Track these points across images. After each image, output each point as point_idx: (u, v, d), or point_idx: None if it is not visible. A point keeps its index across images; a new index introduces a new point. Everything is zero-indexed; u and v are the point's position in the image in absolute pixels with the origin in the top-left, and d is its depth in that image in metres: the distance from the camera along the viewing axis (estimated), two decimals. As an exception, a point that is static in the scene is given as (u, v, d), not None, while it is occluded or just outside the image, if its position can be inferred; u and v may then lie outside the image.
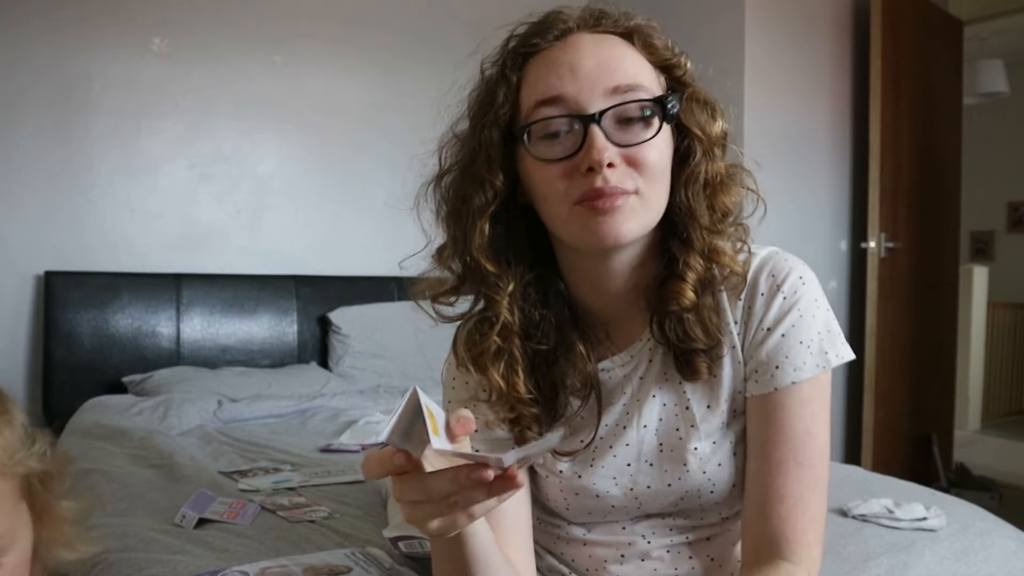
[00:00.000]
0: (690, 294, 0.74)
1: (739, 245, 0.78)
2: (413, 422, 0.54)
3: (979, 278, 4.78)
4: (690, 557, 0.83)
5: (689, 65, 0.77)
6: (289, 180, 3.03)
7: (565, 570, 0.87)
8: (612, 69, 0.70)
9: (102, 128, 2.70)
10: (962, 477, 3.29)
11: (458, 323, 0.82)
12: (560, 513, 0.86)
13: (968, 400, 4.69)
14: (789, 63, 3.02)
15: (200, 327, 2.76)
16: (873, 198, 3.05)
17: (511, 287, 0.76)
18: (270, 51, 2.97)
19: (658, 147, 0.71)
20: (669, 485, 0.79)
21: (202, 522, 1.33)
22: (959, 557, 1.20)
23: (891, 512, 1.32)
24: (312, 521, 1.36)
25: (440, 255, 0.79)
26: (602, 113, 0.69)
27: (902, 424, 3.20)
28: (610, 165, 0.69)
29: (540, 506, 0.88)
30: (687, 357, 0.77)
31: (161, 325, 2.70)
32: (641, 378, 0.80)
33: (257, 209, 2.97)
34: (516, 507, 0.80)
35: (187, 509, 1.34)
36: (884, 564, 1.15)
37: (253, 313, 2.86)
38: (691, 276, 0.75)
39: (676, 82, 0.76)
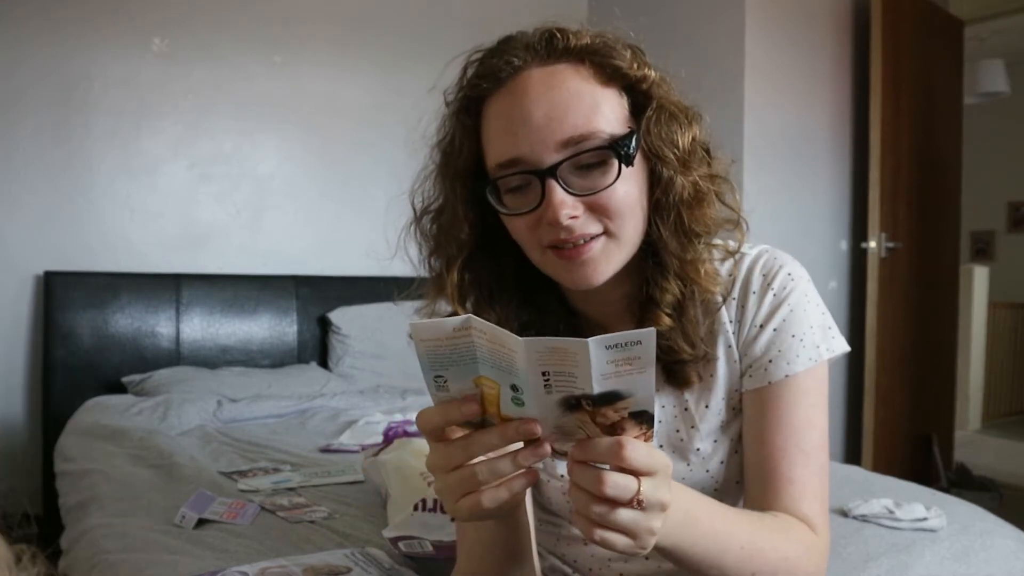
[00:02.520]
0: (665, 320, 0.75)
1: (724, 254, 0.79)
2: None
3: (979, 278, 4.77)
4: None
5: (653, 74, 0.73)
6: (289, 180, 3.03)
7: (568, 570, 0.87)
8: (561, 119, 0.68)
9: (102, 128, 2.69)
10: (962, 477, 3.29)
11: None
12: (562, 514, 0.86)
13: (968, 400, 4.69)
14: (789, 63, 3.02)
15: (200, 327, 2.76)
16: (873, 198, 3.05)
17: (497, 318, 0.77)
18: (270, 51, 2.97)
19: (621, 188, 0.70)
20: (683, 479, 0.79)
21: (202, 522, 1.33)
22: (959, 557, 1.20)
23: (891, 512, 1.32)
24: (312, 521, 1.36)
25: (435, 286, 0.80)
26: (556, 166, 0.68)
27: (902, 424, 3.20)
28: (573, 217, 0.68)
29: (540, 507, 0.88)
30: (675, 368, 0.78)
31: (161, 325, 2.70)
32: None
33: (257, 209, 2.97)
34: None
35: (187, 509, 1.34)
36: (884, 564, 1.15)
37: (253, 313, 2.86)
38: (667, 299, 0.75)
39: (641, 95, 0.73)
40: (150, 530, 1.28)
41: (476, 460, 0.56)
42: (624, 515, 0.53)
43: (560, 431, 0.55)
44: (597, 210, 0.69)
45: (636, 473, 0.53)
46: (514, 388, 0.53)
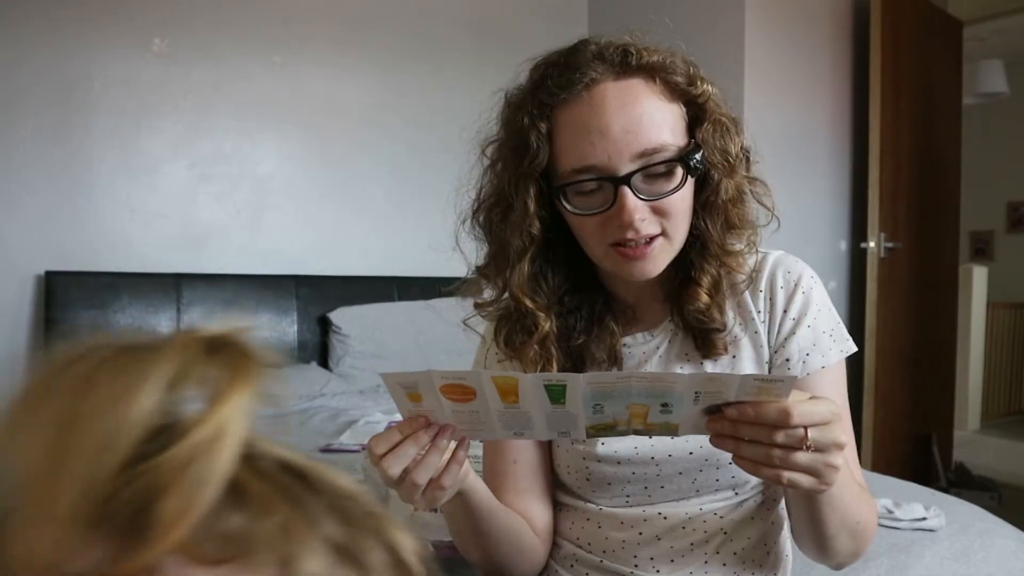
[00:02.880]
0: (704, 297, 0.83)
1: (750, 247, 0.87)
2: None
3: (979, 278, 4.78)
4: (705, 532, 0.86)
5: (710, 89, 0.81)
6: (289, 180, 3.03)
7: (583, 554, 0.90)
8: (637, 133, 0.76)
9: (102, 128, 2.70)
10: (962, 477, 3.29)
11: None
12: (579, 488, 0.90)
13: (968, 400, 4.69)
14: (789, 63, 3.02)
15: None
16: (873, 198, 3.05)
17: (545, 329, 0.85)
18: (270, 51, 2.97)
19: (681, 194, 0.78)
20: (691, 453, 0.84)
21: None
22: (959, 557, 1.20)
23: (891, 512, 1.32)
24: (312, 521, 1.35)
25: (485, 276, 0.87)
26: (630, 175, 0.76)
27: (902, 424, 3.20)
28: (641, 220, 0.77)
29: (558, 487, 0.93)
30: (705, 336, 0.85)
31: (161, 325, 2.70)
32: (663, 356, 0.88)
33: (257, 209, 2.97)
34: (531, 473, 0.92)
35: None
36: (884, 564, 1.15)
37: (253, 313, 2.86)
38: (706, 280, 0.84)
39: (697, 108, 0.81)
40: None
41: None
42: (802, 457, 0.62)
43: (691, 422, 0.68)
44: (659, 213, 0.78)
45: (805, 427, 0.62)
46: (664, 404, 0.65)
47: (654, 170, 0.77)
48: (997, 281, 5.12)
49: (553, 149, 0.79)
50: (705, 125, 0.80)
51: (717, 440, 0.66)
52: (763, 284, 0.86)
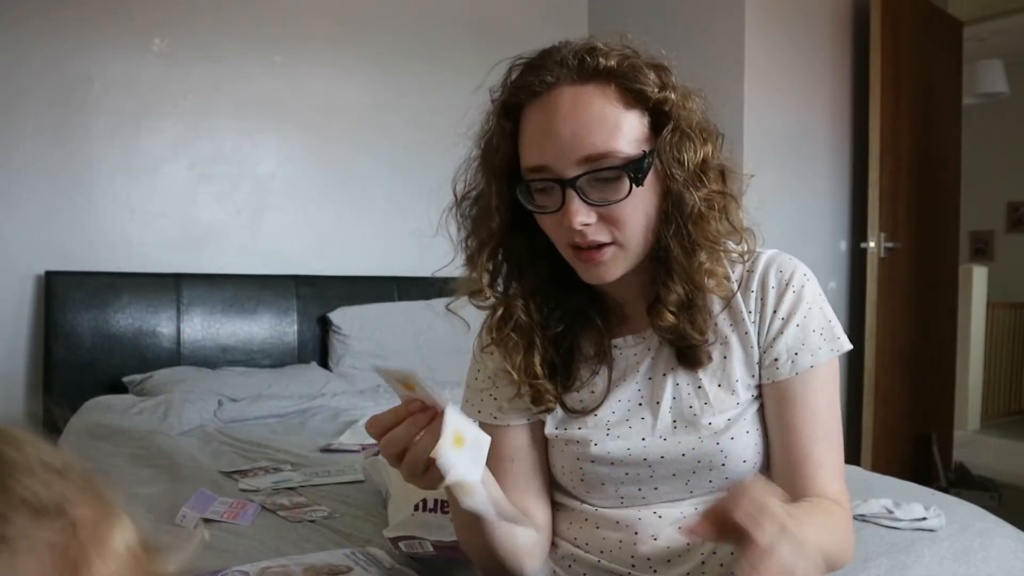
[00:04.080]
0: (669, 317, 0.82)
1: (734, 257, 0.85)
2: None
3: (979, 278, 4.78)
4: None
5: (673, 96, 0.79)
6: (289, 180, 3.03)
7: (581, 553, 0.90)
8: (583, 137, 0.76)
9: (102, 128, 2.70)
10: (962, 477, 3.29)
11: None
12: (573, 488, 0.90)
13: (968, 400, 4.69)
14: (789, 63, 3.02)
15: (200, 327, 2.76)
16: (873, 198, 3.05)
17: (523, 291, 0.87)
18: (270, 51, 2.97)
19: (630, 204, 0.78)
20: (683, 455, 0.84)
21: (203, 522, 1.33)
22: (959, 557, 1.20)
23: (891, 512, 1.32)
24: (312, 521, 1.36)
25: (469, 263, 0.89)
26: (575, 179, 0.77)
27: (902, 424, 3.20)
28: (586, 224, 0.78)
29: (556, 487, 0.94)
30: (686, 352, 0.85)
31: (161, 325, 2.70)
32: (653, 359, 0.88)
33: (257, 209, 2.97)
34: (529, 471, 0.92)
35: (187, 509, 1.34)
36: (884, 564, 1.15)
37: (253, 313, 2.86)
38: (671, 298, 0.82)
39: (663, 115, 0.79)
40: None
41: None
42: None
43: None
44: (608, 220, 0.78)
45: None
46: None
47: (600, 175, 0.77)
48: (997, 281, 5.13)
49: (518, 147, 0.82)
50: (663, 133, 0.78)
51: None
52: (755, 284, 0.86)
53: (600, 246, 0.79)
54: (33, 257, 2.59)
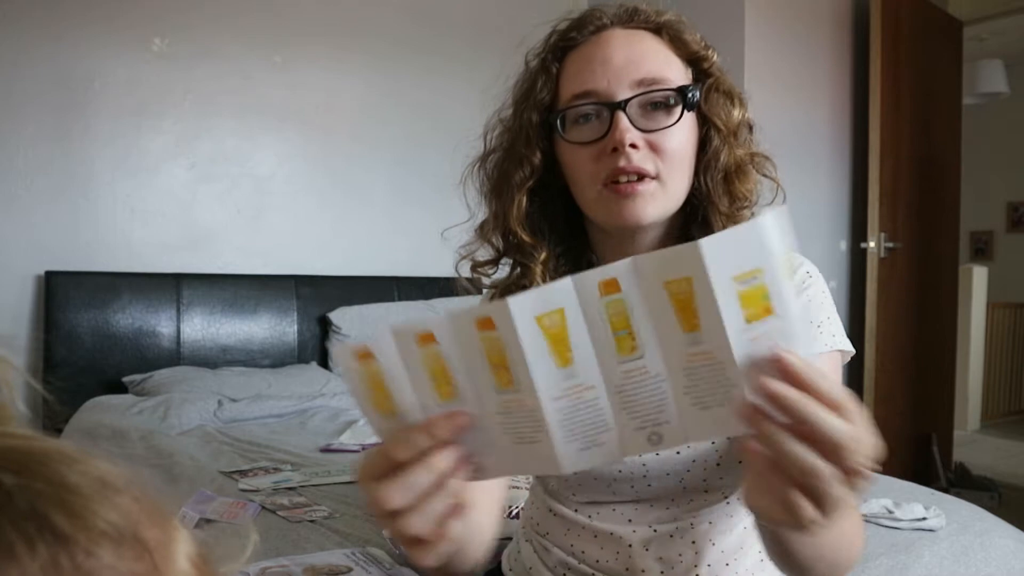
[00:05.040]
0: None
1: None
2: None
3: (979, 278, 4.78)
4: (693, 542, 0.84)
5: (715, 57, 0.83)
6: (289, 180, 3.03)
7: (575, 563, 0.88)
8: (638, 63, 0.77)
9: (102, 128, 2.70)
10: (962, 477, 3.29)
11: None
12: (562, 492, 0.88)
13: (968, 400, 4.69)
14: (789, 63, 3.02)
15: (200, 327, 2.76)
16: (873, 198, 3.05)
17: (544, 256, 0.83)
18: (270, 51, 2.97)
19: (679, 134, 0.77)
20: (678, 453, 0.82)
21: (203, 522, 1.33)
22: (959, 557, 1.20)
23: (891, 512, 1.32)
24: (312, 521, 1.36)
25: (482, 229, 0.86)
26: (627, 101, 0.76)
27: (902, 424, 3.20)
28: (633, 146, 0.75)
29: (549, 494, 0.90)
30: None
31: (161, 325, 2.70)
32: None
33: (257, 209, 2.97)
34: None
35: (188, 509, 1.34)
36: (884, 564, 1.15)
37: (253, 313, 2.86)
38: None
39: (702, 73, 0.82)
40: (151, 530, 1.28)
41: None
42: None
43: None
44: (655, 149, 0.76)
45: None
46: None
47: (652, 98, 0.77)
48: (997, 281, 5.12)
49: (558, 86, 0.81)
50: (707, 84, 0.81)
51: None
52: None
53: (642, 178, 0.76)
54: (33, 257, 2.59)
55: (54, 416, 2.44)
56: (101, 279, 2.64)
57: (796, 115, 3.04)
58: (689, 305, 0.43)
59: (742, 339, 0.43)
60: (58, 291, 2.55)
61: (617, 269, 0.43)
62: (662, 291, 0.43)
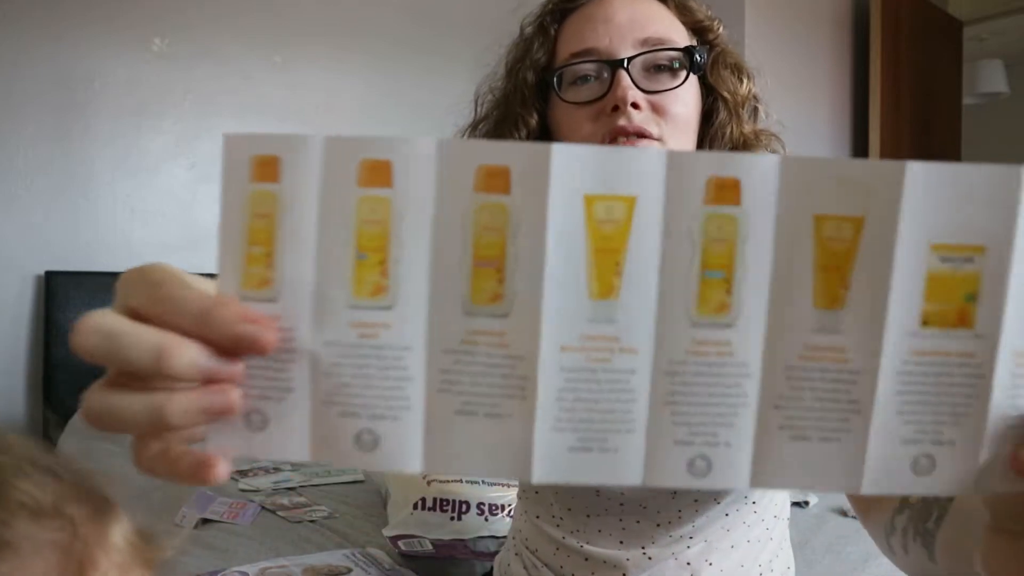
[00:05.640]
0: None
1: None
2: None
3: (979, 278, 4.77)
4: (688, 563, 0.80)
5: (721, 29, 0.79)
6: (289, 180, 3.03)
7: None
8: (643, 23, 0.73)
9: (102, 128, 2.70)
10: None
11: None
12: (553, 511, 0.83)
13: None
14: (789, 63, 3.02)
15: (200, 327, 2.76)
16: (873, 198, 3.05)
17: None
18: (270, 51, 2.97)
19: (683, 98, 0.73)
20: None
21: (202, 522, 1.33)
22: (959, 557, 1.20)
23: (891, 512, 1.32)
24: (312, 521, 1.36)
25: None
26: (630, 59, 0.71)
27: (902, 424, 3.20)
28: (635, 106, 0.70)
29: (535, 508, 0.85)
30: None
31: (161, 325, 2.70)
32: None
33: (257, 209, 2.97)
34: None
35: (187, 509, 1.34)
36: (884, 564, 1.14)
37: (253, 313, 2.86)
38: None
39: (707, 44, 0.78)
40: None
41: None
42: None
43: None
44: (658, 111, 0.72)
45: None
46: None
47: (656, 59, 0.72)
48: (997, 281, 5.12)
49: (555, 47, 0.77)
50: (713, 54, 0.77)
51: None
52: None
53: (643, 139, 0.71)
54: (33, 257, 2.59)
55: (54, 416, 2.44)
56: (101, 279, 2.63)
57: (796, 115, 3.04)
58: (844, 263, 0.26)
59: (902, 347, 0.26)
60: (58, 291, 2.55)
61: (746, 166, 0.26)
62: (807, 227, 0.26)
